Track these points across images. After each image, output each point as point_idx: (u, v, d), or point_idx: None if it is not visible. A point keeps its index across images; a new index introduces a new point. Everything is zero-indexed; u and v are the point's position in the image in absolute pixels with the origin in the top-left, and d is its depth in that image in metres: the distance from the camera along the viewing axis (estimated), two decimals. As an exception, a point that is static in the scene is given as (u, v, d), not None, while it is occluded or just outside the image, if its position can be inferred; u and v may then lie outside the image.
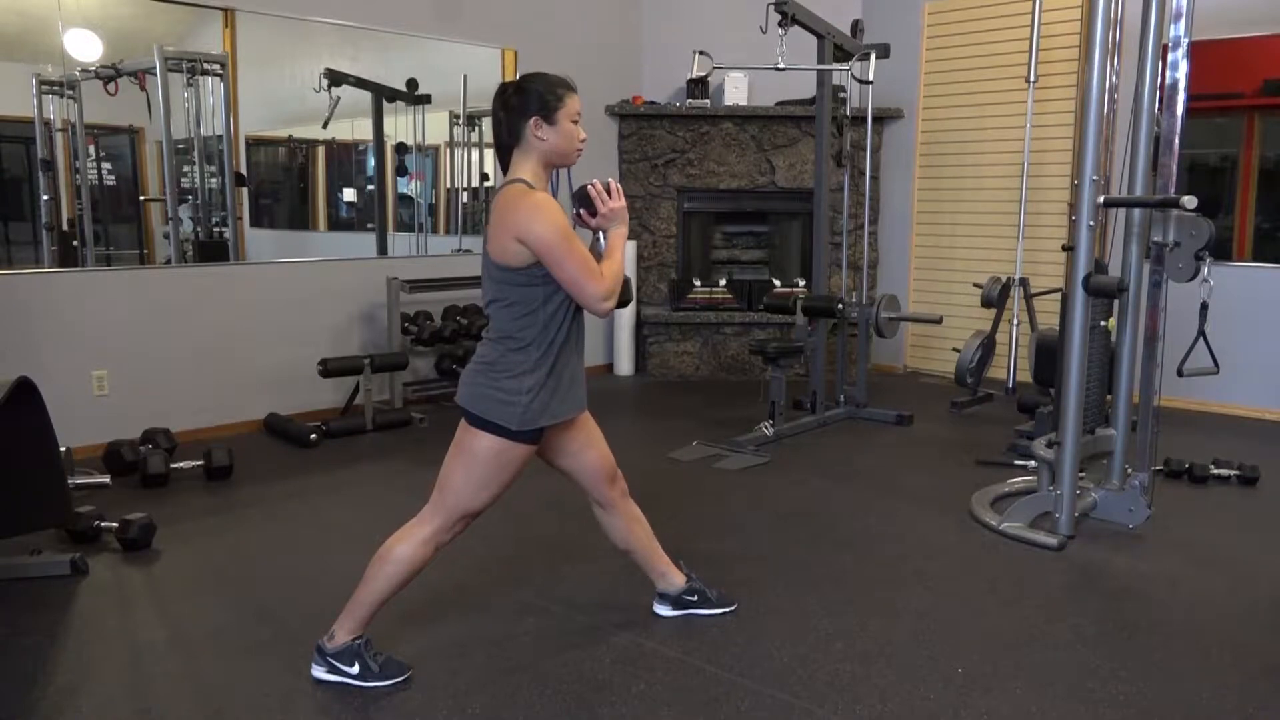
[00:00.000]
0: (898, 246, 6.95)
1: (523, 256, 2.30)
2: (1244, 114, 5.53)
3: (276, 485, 4.18)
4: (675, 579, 2.88)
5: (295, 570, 3.25)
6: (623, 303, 2.45)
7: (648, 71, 6.91)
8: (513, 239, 2.29)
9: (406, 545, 2.46)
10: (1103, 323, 3.67)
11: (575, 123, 2.40)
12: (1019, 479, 4.17)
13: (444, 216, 6.16)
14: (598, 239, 2.48)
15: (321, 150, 5.53)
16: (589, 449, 2.62)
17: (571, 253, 2.27)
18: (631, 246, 6.70)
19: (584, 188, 2.44)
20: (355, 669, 2.47)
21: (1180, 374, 3.36)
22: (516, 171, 2.39)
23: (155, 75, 4.73)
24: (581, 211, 2.46)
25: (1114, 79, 3.62)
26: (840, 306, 5.16)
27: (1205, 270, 3.32)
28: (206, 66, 4.91)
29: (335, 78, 5.39)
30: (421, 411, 5.38)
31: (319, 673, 2.49)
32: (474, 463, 2.42)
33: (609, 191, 2.44)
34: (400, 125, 5.78)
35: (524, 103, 2.35)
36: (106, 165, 4.72)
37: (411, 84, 5.75)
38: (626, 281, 2.48)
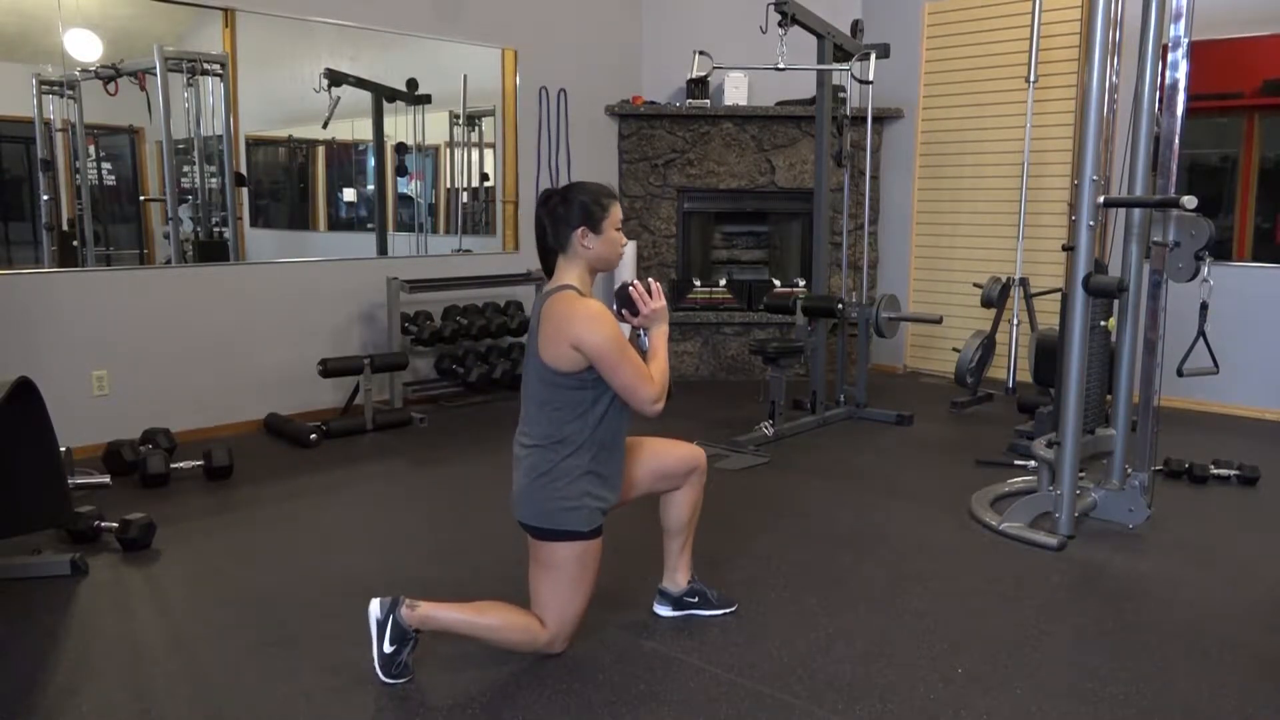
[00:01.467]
0: (898, 246, 6.95)
1: (578, 362, 2.39)
2: (1244, 114, 5.53)
3: (276, 485, 4.18)
4: (680, 580, 2.89)
5: (295, 570, 3.25)
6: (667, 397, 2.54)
7: (648, 71, 6.91)
8: (569, 346, 2.37)
9: (524, 626, 2.50)
10: (1103, 323, 3.67)
11: (619, 230, 2.51)
12: (1019, 479, 4.17)
13: (444, 216, 6.16)
14: (638, 335, 2.56)
15: (321, 150, 5.53)
16: (657, 459, 2.70)
17: (626, 360, 2.38)
18: (631, 246, 6.71)
19: (625, 288, 2.54)
20: (391, 649, 2.44)
21: (1180, 374, 3.36)
22: (563, 277, 2.48)
23: (155, 75, 4.73)
24: (624, 311, 2.55)
25: (1114, 79, 3.62)
26: (840, 306, 5.16)
27: (1205, 270, 3.31)
28: (206, 66, 4.91)
29: (335, 78, 5.39)
30: (421, 411, 5.38)
31: (374, 612, 2.44)
32: (563, 575, 2.49)
33: (650, 292, 2.54)
34: (400, 125, 5.78)
35: (569, 214, 2.46)
36: (106, 165, 4.72)
37: (411, 84, 5.75)
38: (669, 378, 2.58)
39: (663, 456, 2.72)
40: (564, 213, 2.46)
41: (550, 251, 2.51)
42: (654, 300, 2.54)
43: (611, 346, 2.36)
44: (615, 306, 2.56)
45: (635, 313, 2.54)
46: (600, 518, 2.50)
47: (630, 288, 2.54)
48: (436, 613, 2.46)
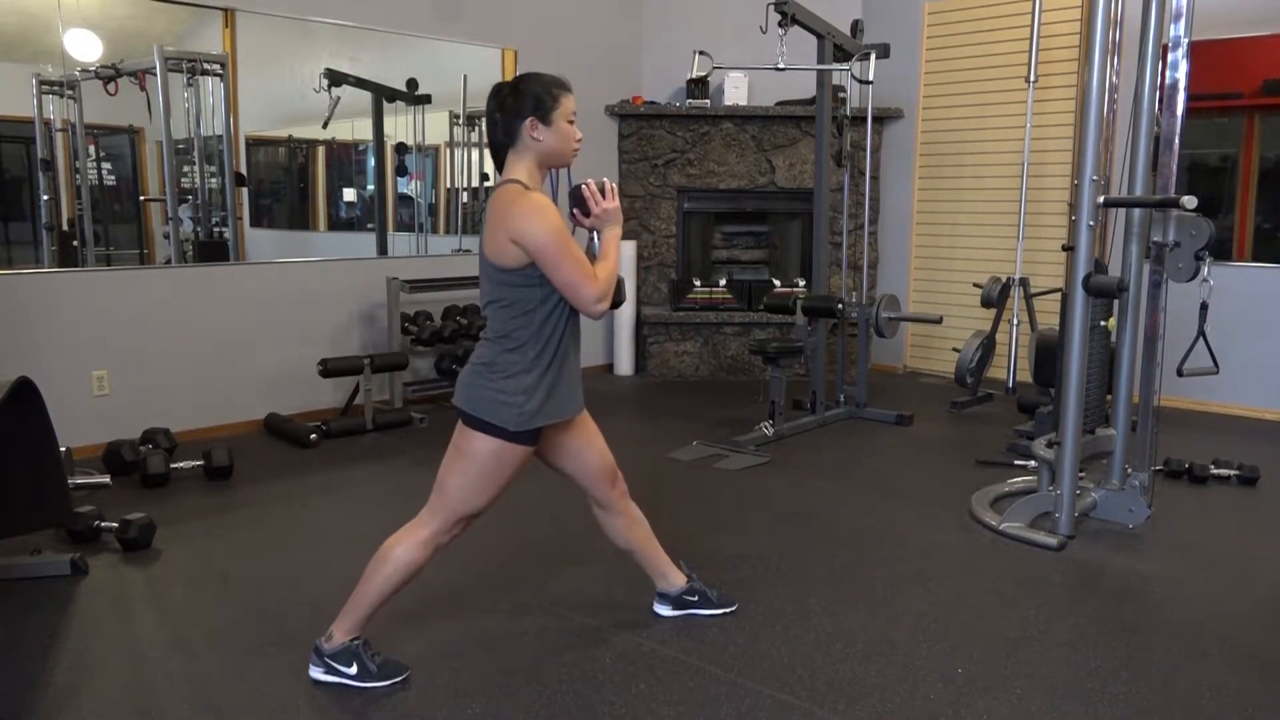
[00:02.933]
0: (898, 246, 6.95)
1: (519, 257, 2.30)
2: (1244, 114, 5.53)
3: (276, 485, 4.18)
4: (676, 579, 2.88)
5: (295, 570, 3.25)
6: (615, 304, 2.44)
7: (648, 71, 6.91)
8: (509, 240, 2.28)
9: (404, 547, 2.45)
10: (1103, 323, 3.67)
11: (571, 123, 2.39)
12: (1019, 479, 4.17)
13: (444, 216, 6.16)
14: (593, 239, 2.48)
15: (321, 150, 5.53)
16: (588, 449, 2.62)
17: (567, 256, 2.27)
18: (631, 246, 6.71)
19: (578, 188, 2.44)
20: (353, 669, 2.47)
21: (1180, 374, 3.36)
22: (512, 172, 2.38)
23: (155, 75, 4.73)
24: (575, 212, 2.46)
25: (1114, 79, 3.62)
26: (840, 306, 5.16)
27: (1205, 270, 3.31)
28: (206, 66, 4.91)
29: (335, 78, 5.39)
30: (421, 411, 5.38)
31: (316, 673, 2.49)
32: (472, 464, 2.41)
33: (603, 192, 2.44)
34: (400, 125, 5.78)
35: (519, 103, 2.34)
36: (106, 165, 4.72)
37: (411, 84, 5.75)
38: (620, 282, 2.47)
39: (594, 447, 2.62)
40: (513, 103, 2.35)
41: (501, 146, 2.40)
42: (607, 200, 2.44)
43: (551, 240, 2.25)
44: (568, 207, 2.45)
45: (587, 213, 2.44)
46: (528, 423, 2.37)
47: (584, 186, 2.43)
48: (347, 617, 2.47)
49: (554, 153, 2.38)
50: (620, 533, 2.76)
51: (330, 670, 2.48)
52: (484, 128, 6.05)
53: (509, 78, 6.29)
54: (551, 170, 2.46)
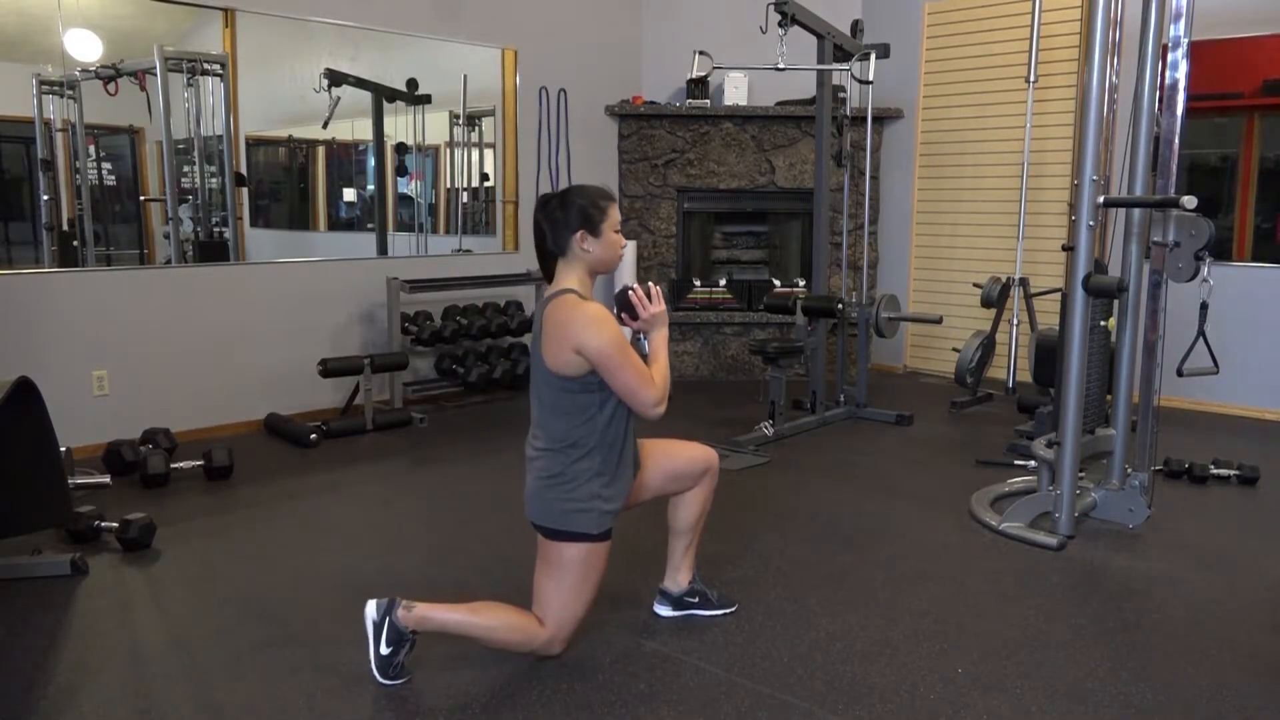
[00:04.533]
0: (898, 246, 6.95)
1: (580, 366, 2.40)
2: (1244, 114, 5.53)
3: (276, 485, 4.18)
4: (682, 580, 2.90)
5: (295, 570, 3.25)
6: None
7: (648, 71, 6.91)
8: (572, 351, 2.38)
9: (522, 626, 2.49)
10: (1103, 323, 3.67)
11: (618, 232, 2.51)
12: (1019, 479, 4.17)
13: (444, 216, 6.16)
14: (638, 339, 2.58)
15: (321, 150, 5.53)
16: (664, 463, 2.70)
17: (627, 363, 2.38)
18: (631, 246, 6.70)
19: (625, 292, 2.55)
20: (388, 651, 2.45)
21: (1180, 374, 3.36)
22: (564, 281, 2.48)
23: (155, 75, 4.73)
24: (623, 315, 2.56)
25: (1114, 79, 3.62)
26: (840, 306, 5.16)
27: (1205, 270, 3.31)
28: (206, 66, 4.91)
29: (335, 78, 5.40)
30: (421, 411, 5.38)
31: (371, 613, 2.46)
32: (567, 574, 2.50)
33: (649, 296, 2.55)
34: (400, 125, 5.78)
35: (568, 218, 2.45)
36: (106, 165, 4.72)
37: (411, 84, 5.75)
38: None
39: (674, 457, 2.73)
40: (562, 217, 2.46)
41: (550, 256, 2.51)
42: (654, 304, 2.55)
43: (613, 350, 2.36)
44: (615, 310, 2.56)
45: (635, 316, 2.55)
46: (609, 520, 2.51)
47: (630, 292, 2.55)
48: (433, 613, 2.46)
49: (602, 261, 2.50)
50: (688, 506, 2.79)
51: (377, 631, 2.45)
52: (485, 127, 6.07)
53: (510, 77, 6.29)
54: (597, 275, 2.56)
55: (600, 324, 2.36)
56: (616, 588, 3.07)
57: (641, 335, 2.58)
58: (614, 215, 2.50)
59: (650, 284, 2.58)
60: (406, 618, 2.44)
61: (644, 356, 2.51)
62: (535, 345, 2.49)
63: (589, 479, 2.47)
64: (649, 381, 2.42)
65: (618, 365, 2.37)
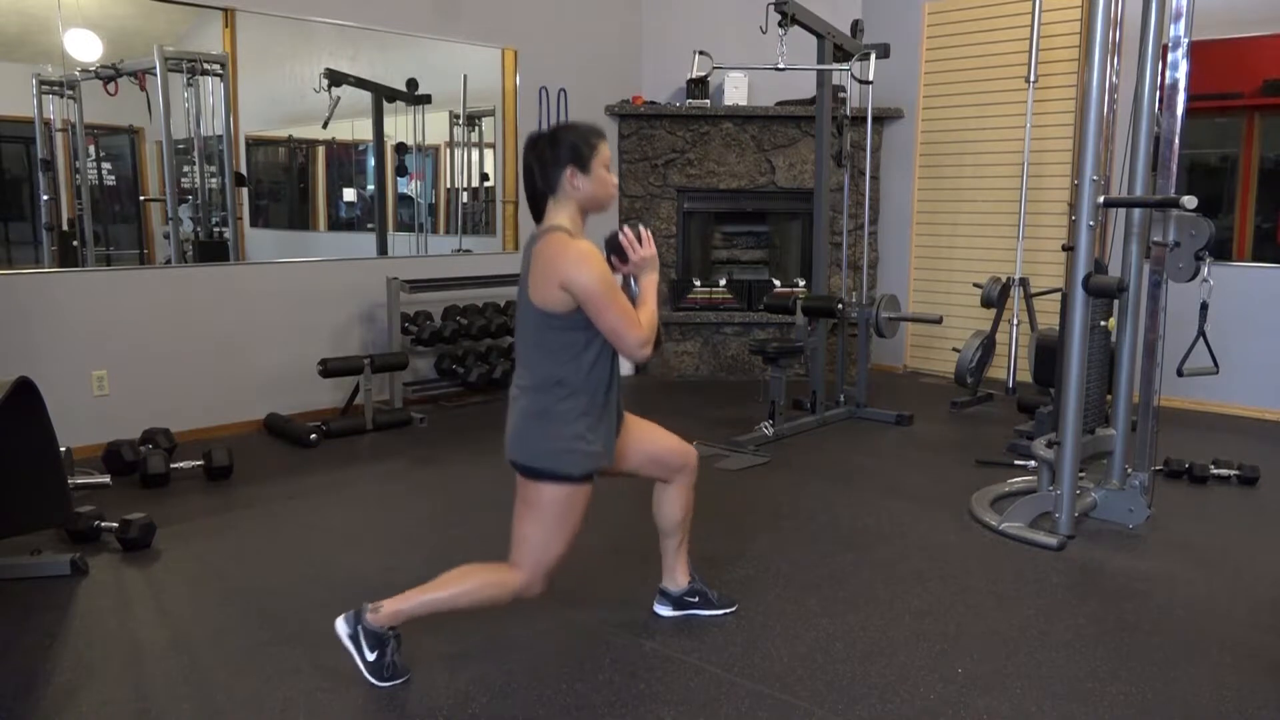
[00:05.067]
0: (898, 246, 6.95)
1: (566, 303, 2.36)
2: (1244, 114, 5.53)
3: (276, 485, 4.18)
4: (681, 579, 2.89)
5: (295, 570, 3.25)
6: (655, 345, 2.51)
7: (648, 71, 6.91)
8: (558, 286, 2.34)
9: (489, 578, 2.48)
10: (1103, 323, 3.67)
11: (607, 169, 2.47)
12: (1019, 479, 4.17)
13: (444, 216, 6.17)
14: (629, 283, 2.54)
15: (321, 150, 5.53)
16: (646, 442, 2.69)
17: (613, 302, 2.34)
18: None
19: (615, 235, 2.52)
20: (373, 656, 2.45)
21: (1180, 374, 3.36)
22: (553, 219, 2.45)
23: (155, 75, 4.73)
24: (613, 258, 2.53)
25: (1114, 79, 3.62)
26: (840, 306, 5.16)
27: (1205, 270, 3.31)
28: (206, 66, 4.91)
29: (335, 78, 5.40)
30: (421, 411, 5.38)
31: (342, 629, 2.46)
32: (545, 514, 2.45)
33: (639, 239, 2.51)
34: (400, 125, 5.78)
35: (558, 153, 2.42)
36: (106, 165, 4.72)
37: (411, 84, 5.75)
38: (659, 325, 2.55)
39: (658, 441, 2.72)
40: (552, 154, 2.41)
41: (540, 195, 2.47)
42: (644, 247, 2.51)
43: (599, 287, 2.32)
44: (605, 253, 2.51)
45: (625, 260, 2.52)
46: (591, 463, 2.44)
47: (620, 235, 2.51)
48: (402, 604, 2.45)
49: (593, 199, 2.46)
50: (669, 509, 2.79)
51: (354, 642, 2.46)
52: (485, 127, 6.07)
53: (510, 77, 6.29)
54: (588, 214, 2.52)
55: (588, 260, 2.32)
56: (616, 588, 3.08)
57: (631, 279, 2.54)
58: (604, 152, 2.46)
59: (640, 226, 2.54)
60: (377, 619, 2.44)
61: (633, 299, 2.48)
62: (523, 281, 2.44)
63: (574, 419, 2.41)
64: (635, 322, 2.37)
65: (605, 303, 2.32)
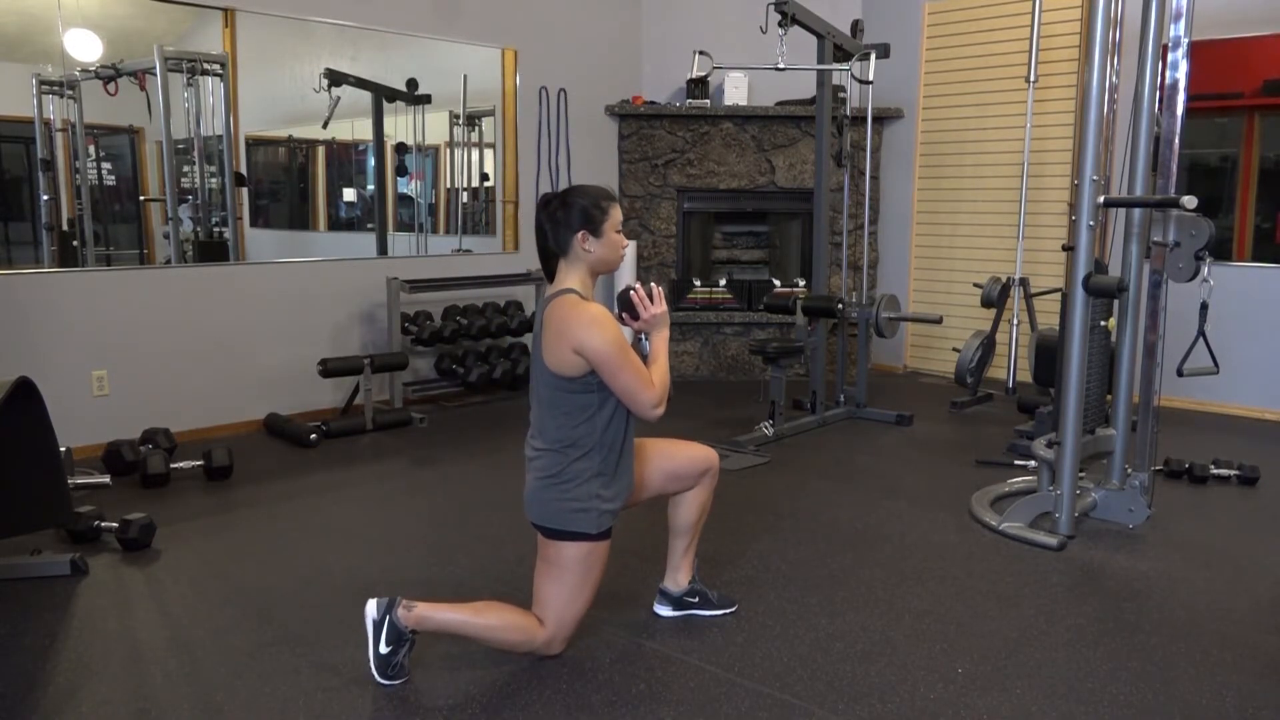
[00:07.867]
0: (898, 246, 6.95)
1: (580, 366, 2.40)
2: (1244, 114, 5.53)
3: (276, 485, 4.18)
4: (682, 580, 2.90)
5: (295, 570, 3.25)
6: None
7: (648, 71, 6.91)
8: (571, 350, 2.38)
9: (521, 625, 2.50)
10: (1103, 323, 3.67)
11: (619, 232, 2.51)
12: (1019, 479, 4.17)
13: (444, 216, 6.16)
14: (639, 340, 2.58)
15: (321, 150, 5.53)
16: (663, 463, 2.70)
17: (627, 364, 2.38)
18: (631, 246, 6.70)
19: (627, 293, 2.55)
20: (387, 650, 2.45)
21: (1180, 374, 3.36)
22: (565, 281, 2.49)
23: (155, 75, 4.73)
24: (625, 315, 2.56)
25: (1114, 79, 3.62)
26: (840, 306, 5.16)
27: (1205, 270, 3.31)
28: (206, 66, 4.91)
29: (335, 78, 5.40)
30: (421, 411, 5.38)
31: (371, 612, 2.46)
32: (566, 573, 2.50)
33: (651, 297, 2.55)
34: (400, 125, 5.78)
35: (570, 217, 2.46)
36: (106, 165, 4.72)
37: (411, 84, 5.75)
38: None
39: (675, 457, 2.73)
40: (564, 217, 2.46)
41: (551, 256, 2.52)
42: (655, 305, 2.55)
43: (613, 351, 2.36)
44: (617, 310, 2.56)
45: (636, 317, 2.55)
46: (609, 520, 2.51)
47: (632, 292, 2.55)
48: (433, 613, 2.46)
49: (604, 261, 2.51)
50: (688, 506, 2.79)
51: (377, 630, 2.45)
52: (485, 127, 6.08)
53: (510, 78, 6.29)
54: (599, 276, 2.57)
55: (601, 324, 2.37)
56: (616, 588, 3.08)
57: (643, 336, 2.58)
58: (615, 215, 2.50)
59: (652, 284, 2.59)
60: (407, 617, 2.44)
61: (644, 357, 2.51)
62: (535, 345, 2.49)
63: (588, 479, 2.47)
64: (648, 383, 2.42)
65: (618, 366, 2.37)
